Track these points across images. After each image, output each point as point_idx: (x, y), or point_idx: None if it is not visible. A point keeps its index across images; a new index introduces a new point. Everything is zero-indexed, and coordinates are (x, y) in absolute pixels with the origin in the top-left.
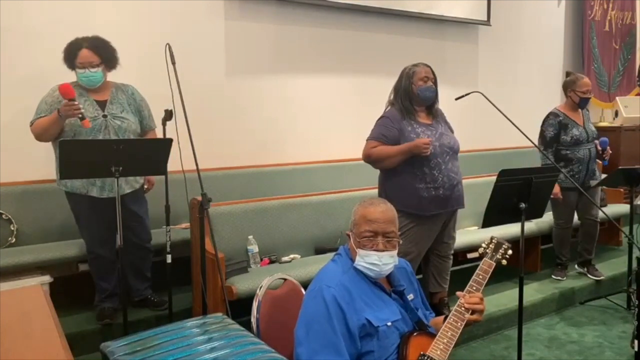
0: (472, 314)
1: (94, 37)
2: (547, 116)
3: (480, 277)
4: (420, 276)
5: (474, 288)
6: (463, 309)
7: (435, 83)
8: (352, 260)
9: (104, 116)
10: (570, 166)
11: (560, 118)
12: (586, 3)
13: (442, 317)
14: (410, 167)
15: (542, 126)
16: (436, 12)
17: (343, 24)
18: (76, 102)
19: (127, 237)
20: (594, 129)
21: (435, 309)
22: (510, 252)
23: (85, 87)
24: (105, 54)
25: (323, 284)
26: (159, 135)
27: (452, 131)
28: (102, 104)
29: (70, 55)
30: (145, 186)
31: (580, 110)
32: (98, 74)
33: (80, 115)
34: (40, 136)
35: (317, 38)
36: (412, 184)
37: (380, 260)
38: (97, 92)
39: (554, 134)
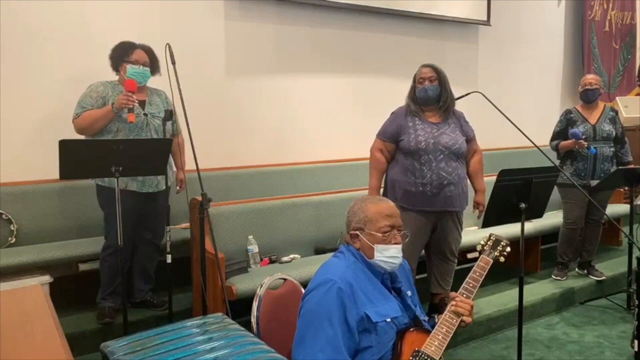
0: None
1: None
2: (563, 112)
3: (477, 274)
4: (424, 275)
5: (471, 285)
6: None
7: (440, 81)
8: (364, 259)
9: (145, 115)
10: (576, 164)
11: (572, 115)
12: (586, 3)
13: None
14: (403, 161)
15: None
16: (436, 12)
17: (343, 24)
18: (133, 96)
19: (145, 235)
20: (608, 129)
21: (435, 309)
22: (508, 249)
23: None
24: (153, 59)
25: (326, 277)
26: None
27: (466, 134)
28: (141, 104)
29: (122, 53)
30: (177, 187)
31: (599, 107)
32: (148, 72)
33: (132, 106)
34: (85, 129)
35: (317, 38)
36: (402, 177)
37: (399, 253)
38: (136, 92)
39: (560, 129)
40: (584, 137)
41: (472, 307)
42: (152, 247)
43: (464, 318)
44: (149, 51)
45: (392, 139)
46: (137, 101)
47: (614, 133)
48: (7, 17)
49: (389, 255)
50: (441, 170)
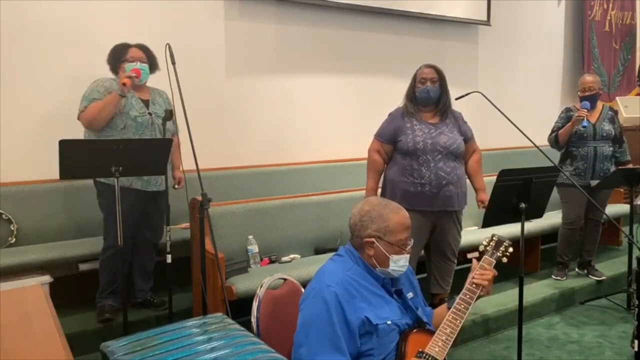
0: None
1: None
2: (563, 110)
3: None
4: (424, 275)
5: (473, 286)
6: (468, 296)
7: (440, 82)
8: (367, 265)
9: (149, 114)
10: (575, 163)
11: (572, 113)
12: (586, 3)
13: (445, 305)
14: (401, 161)
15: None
16: (436, 12)
17: (343, 24)
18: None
19: (144, 235)
20: (608, 128)
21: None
22: (511, 249)
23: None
24: (150, 56)
25: (323, 283)
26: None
27: (465, 134)
28: (145, 103)
29: (118, 54)
30: (177, 185)
31: (598, 107)
32: (147, 68)
33: (132, 75)
34: (93, 120)
35: (317, 38)
36: (400, 177)
37: (407, 261)
38: (140, 92)
39: (561, 124)
40: (583, 131)
41: (493, 276)
42: (150, 246)
43: (483, 283)
44: (144, 49)
45: (389, 140)
46: (135, 75)
47: (613, 133)
48: (8, 19)
49: (400, 264)
50: (439, 170)
